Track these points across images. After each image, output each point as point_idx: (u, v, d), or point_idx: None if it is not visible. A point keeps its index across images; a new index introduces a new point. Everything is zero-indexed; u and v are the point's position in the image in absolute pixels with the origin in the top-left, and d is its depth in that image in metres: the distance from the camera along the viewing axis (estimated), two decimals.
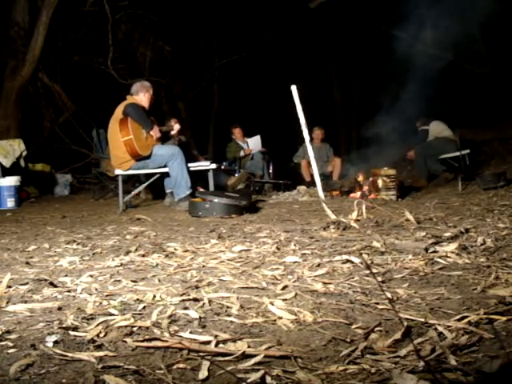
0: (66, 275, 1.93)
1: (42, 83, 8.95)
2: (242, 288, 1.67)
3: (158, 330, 1.26)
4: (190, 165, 5.17)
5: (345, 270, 1.88)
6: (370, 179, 5.69)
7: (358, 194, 5.76)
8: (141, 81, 5.77)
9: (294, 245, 2.44)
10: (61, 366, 1.06)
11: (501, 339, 1.10)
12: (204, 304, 1.48)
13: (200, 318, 1.35)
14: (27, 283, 1.79)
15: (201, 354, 1.11)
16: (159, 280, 1.82)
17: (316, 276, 1.80)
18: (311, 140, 5.06)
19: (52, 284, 1.76)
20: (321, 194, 4.56)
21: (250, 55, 12.62)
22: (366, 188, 5.77)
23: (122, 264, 2.13)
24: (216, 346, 1.15)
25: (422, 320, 1.26)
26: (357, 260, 1.97)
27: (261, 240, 2.65)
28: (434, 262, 1.94)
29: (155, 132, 5.12)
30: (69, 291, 1.68)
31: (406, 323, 1.21)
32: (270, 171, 8.53)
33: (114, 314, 1.39)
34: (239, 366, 1.05)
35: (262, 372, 0.99)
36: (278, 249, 2.38)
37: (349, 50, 13.84)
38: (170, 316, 1.36)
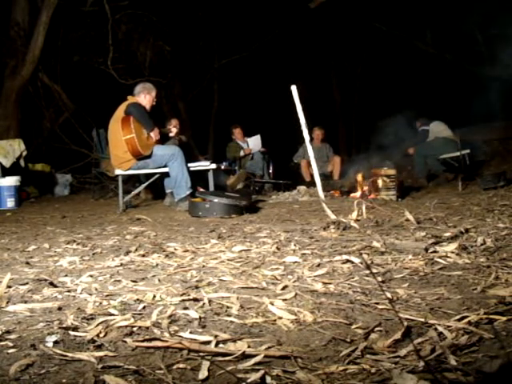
0: (66, 275, 1.93)
1: (42, 83, 8.95)
2: (242, 288, 1.67)
3: (158, 330, 1.26)
4: (190, 165, 5.17)
5: (345, 270, 1.88)
6: (370, 179, 5.69)
7: (358, 193, 5.76)
8: (144, 82, 5.77)
9: (294, 245, 2.44)
10: (61, 366, 1.07)
11: (501, 339, 1.10)
12: (204, 304, 1.48)
13: (200, 318, 1.35)
14: (27, 283, 1.79)
15: (201, 353, 1.11)
16: (159, 280, 1.82)
17: (316, 276, 1.80)
18: (311, 140, 5.05)
19: (52, 284, 1.76)
20: (321, 194, 4.56)
21: (250, 55, 12.61)
22: (366, 188, 5.77)
23: (122, 264, 2.13)
24: (216, 346, 1.15)
25: (422, 320, 1.26)
26: (357, 260, 1.97)
27: (261, 240, 2.65)
28: (434, 262, 1.94)
29: (155, 134, 5.11)
30: (69, 291, 1.68)
31: (405, 323, 1.21)
32: (270, 171, 8.53)
33: (114, 314, 1.39)
34: (239, 365, 1.05)
35: (261, 372, 0.99)
36: (278, 249, 2.38)
37: (348, 50, 13.84)
38: (170, 316, 1.36)
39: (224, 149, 8.71)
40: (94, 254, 2.43)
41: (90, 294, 1.62)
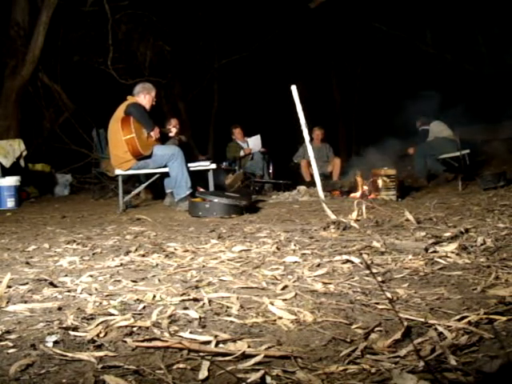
0: (66, 275, 1.93)
1: (42, 83, 8.94)
2: (242, 288, 1.67)
3: (158, 330, 1.26)
4: (189, 165, 5.17)
5: (345, 270, 1.88)
6: (370, 179, 5.69)
7: (358, 193, 5.76)
8: (144, 82, 5.77)
9: (294, 245, 2.44)
10: (61, 366, 1.07)
11: (501, 339, 1.10)
12: (204, 304, 1.48)
13: (200, 318, 1.35)
14: (27, 283, 1.79)
15: (201, 353, 1.11)
16: (159, 280, 1.82)
17: (316, 276, 1.80)
18: (311, 140, 5.05)
19: (52, 284, 1.76)
20: (321, 194, 4.56)
21: (250, 55, 12.61)
22: (366, 188, 5.77)
23: (121, 264, 2.13)
24: (216, 346, 1.15)
25: (422, 320, 1.26)
26: (357, 260, 1.97)
27: (261, 240, 2.65)
28: (434, 262, 1.94)
29: (155, 134, 5.11)
30: (69, 291, 1.68)
31: (406, 323, 1.21)
32: (270, 171, 8.53)
33: (114, 314, 1.39)
34: (239, 365, 1.05)
35: (261, 372, 0.99)
36: (278, 249, 2.38)
37: (348, 50, 13.84)
38: (170, 316, 1.36)
39: (224, 149, 8.71)
40: (94, 254, 2.43)
41: (90, 294, 1.62)
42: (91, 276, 1.89)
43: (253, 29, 12.11)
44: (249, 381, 0.97)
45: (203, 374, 1.01)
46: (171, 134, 5.75)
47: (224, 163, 7.84)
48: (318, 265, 1.99)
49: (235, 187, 6.81)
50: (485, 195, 5.00)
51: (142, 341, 1.18)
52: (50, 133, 9.34)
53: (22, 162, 7.27)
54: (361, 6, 11.28)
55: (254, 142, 8.38)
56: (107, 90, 9.09)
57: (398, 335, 1.15)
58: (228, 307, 1.45)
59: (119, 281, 1.81)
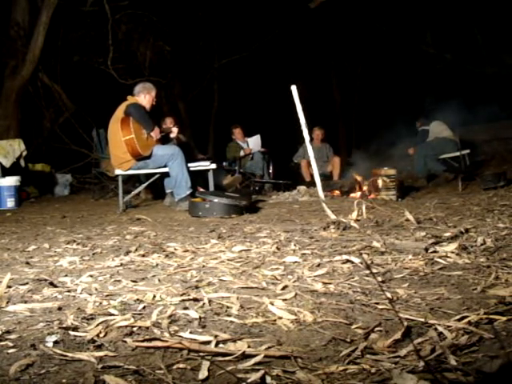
0: (66, 275, 1.93)
1: (42, 83, 8.94)
2: (242, 288, 1.67)
3: (158, 330, 1.26)
4: (189, 165, 5.17)
5: (345, 270, 1.88)
6: (370, 179, 5.69)
7: (358, 194, 5.76)
8: (144, 82, 5.76)
9: (294, 245, 2.44)
10: (61, 366, 1.07)
11: (501, 339, 1.10)
12: (204, 304, 1.48)
13: (200, 318, 1.35)
14: (27, 283, 1.79)
15: (201, 354, 1.11)
16: (159, 280, 1.82)
17: (316, 276, 1.80)
18: (311, 140, 5.05)
19: (52, 284, 1.76)
20: (321, 194, 4.55)
21: (250, 55, 12.61)
22: (366, 188, 5.77)
23: (122, 264, 2.13)
24: (216, 346, 1.15)
25: (422, 320, 1.26)
26: (357, 260, 1.97)
27: (261, 240, 2.65)
28: (434, 262, 1.94)
29: (155, 134, 5.11)
30: (69, 291, 1.68)
31: (406, 323, 1.21)
32: (270, 171, 8.52)
33: (114, 314, 1.39)
34: (239, 365, 1.05)
35: (261, 372, 0.99)
36: (278, 249, 2.38)
37: (349, 50, 13.84)
38: (170, 316, 1.36)
39: (224, 149, 8.71)
40: (94, 254, 2.43)
41: (90, 294, 1.62)
42: (91, 276, 1.89)
43: (253, 29, 12.11)
44: (249, 381, 0.97)
45: (203, 374, 1.01)
46: (172, 135, 5.75)
47: (224, 163, 7.83)
48: (318, 265, 1.99)
49: (232, 189, 6.81)
50: (485, 195, 5.00)
51: (142, 341, 1.18)
52: (50, 133, 9.34)
53: (22, 162, 7.26)
54: (361, 6, 11.28)
55: (254, 142, 8.38)
56: (107, 89, 9.09)
57: (398, 335, 1.15)
58: (228, 307, 1.45)
59: (119, 281, 1.81)
